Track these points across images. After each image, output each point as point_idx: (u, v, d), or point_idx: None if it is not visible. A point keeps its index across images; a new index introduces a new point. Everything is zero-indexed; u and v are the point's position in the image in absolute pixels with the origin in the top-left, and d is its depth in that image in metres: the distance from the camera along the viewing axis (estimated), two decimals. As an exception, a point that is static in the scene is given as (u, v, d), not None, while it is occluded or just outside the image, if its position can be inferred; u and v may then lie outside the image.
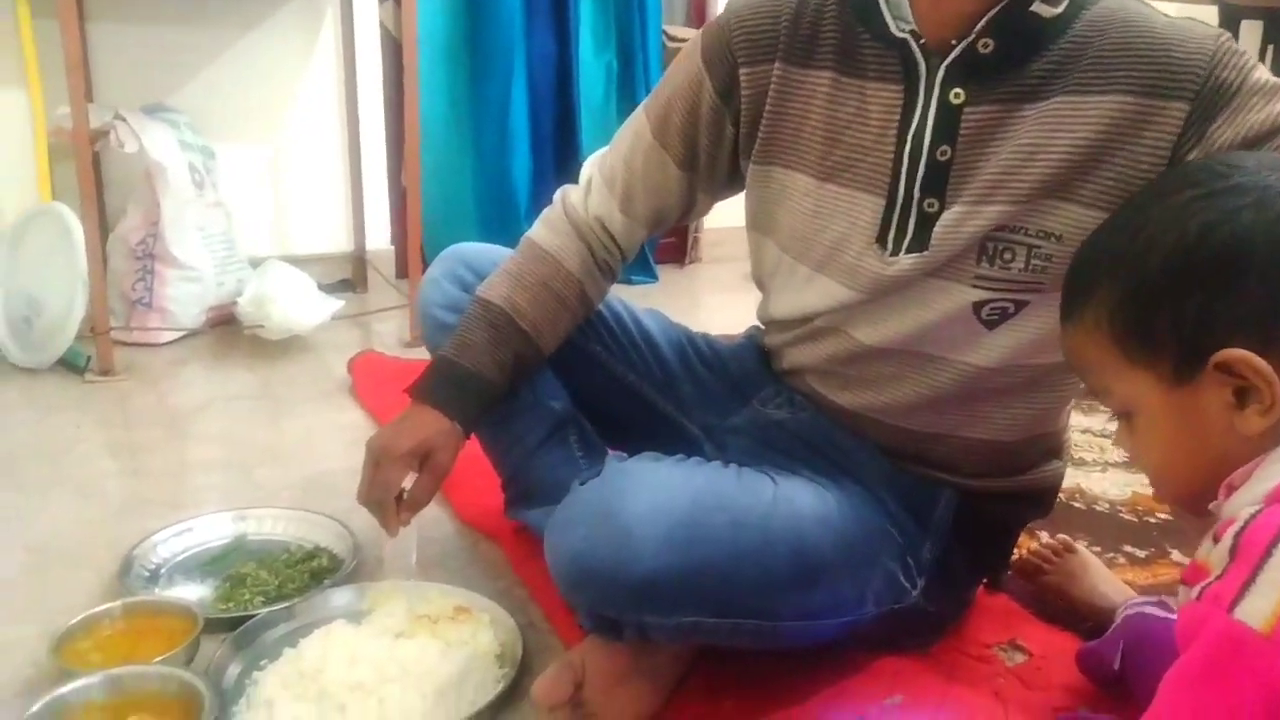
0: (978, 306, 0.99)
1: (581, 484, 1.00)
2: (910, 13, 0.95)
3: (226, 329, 2.40)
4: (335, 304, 2.34)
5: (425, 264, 2.28)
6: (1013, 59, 0.93)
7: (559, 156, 3.01)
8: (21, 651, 1.13)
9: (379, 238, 2.91)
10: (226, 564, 1.31)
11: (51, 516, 1.48)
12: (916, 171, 0.98)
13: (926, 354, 1.04)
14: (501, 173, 2.92)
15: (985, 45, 0.93)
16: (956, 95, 0.95)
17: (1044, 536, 1.43)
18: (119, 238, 2.34)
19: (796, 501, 1.02)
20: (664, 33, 3.09)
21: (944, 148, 0.96)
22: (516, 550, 1.35)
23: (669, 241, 3.26)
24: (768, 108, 1.06)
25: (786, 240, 1.09)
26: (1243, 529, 0.62)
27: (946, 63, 0.94)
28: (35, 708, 0.95)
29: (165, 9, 2.54)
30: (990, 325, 1.00)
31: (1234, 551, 0.61)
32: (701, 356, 1.29)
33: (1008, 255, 0.96)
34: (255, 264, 2.47)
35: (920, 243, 0.98)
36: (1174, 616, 0.91)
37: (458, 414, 1.12)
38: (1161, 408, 0.73)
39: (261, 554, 1.33)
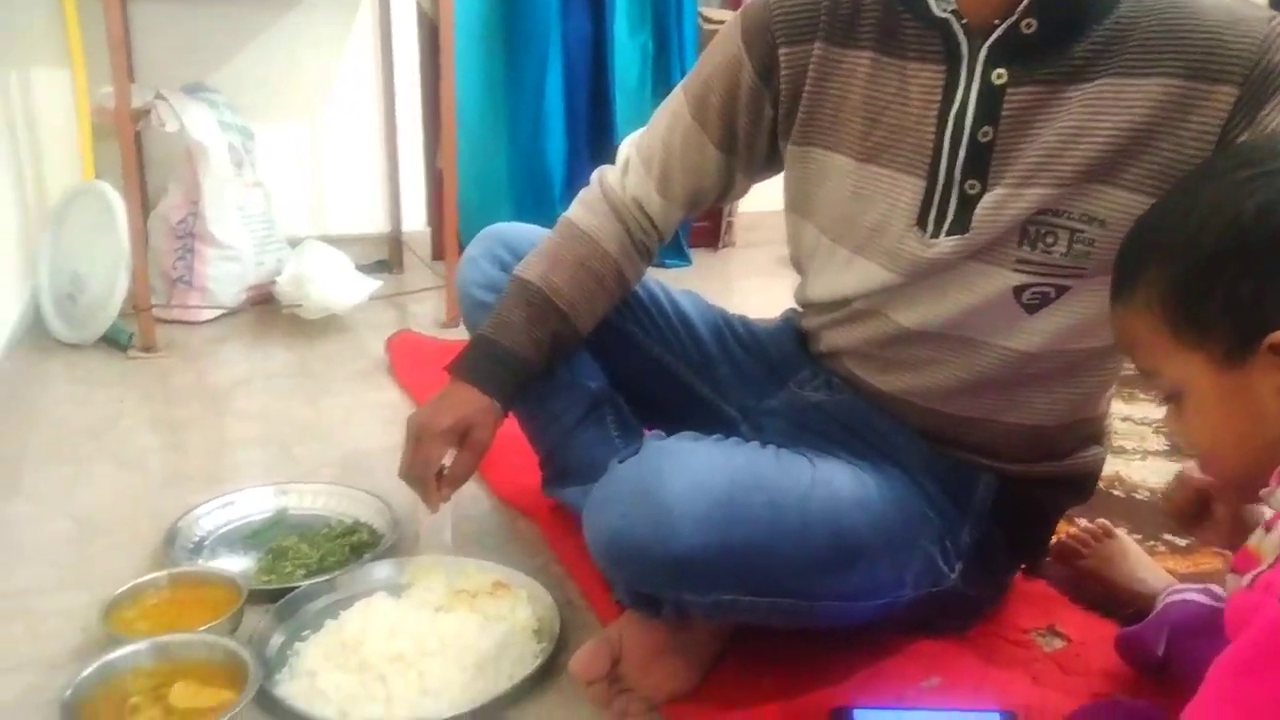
0: (1018, 291, 0.98)
1: (620, 462, 1.00)
2: None
3: (265, 308, 2.43)
4: (373, 284, 2.36)
5: (460, 246, 2.30)
6: (1056, 39, 0.92)
7: (593, 138, 3.01)
8: (71, 618, 1.16)
9: (415, 219, 2.93)
10: (268, 537, 1.33)
11: (96, 488, 1.51)
12: (958, 153, 0.97)
13: (966, 338, 1.03)
14: (536, 154, 2.92)
15: (1028, 25, 0.92)
16: (999, 76, 0.94)
17: (1082, 523, 1.42)
18: (160, 216, 2.37)
19: (835, 483, 1.02)
20: (700, 14, 3.07)
21: (986, 129, 0.95)
22: (553, 527, 1.36)
23: (702, 225, 3.25)
24: (807, 88, 1.05)
25: (826, 222, 1.09)
26: None
27: (989, 43, 0.93)
28: (86, 672, 0.97)
29: (204, -12, 2.57)
30: (1031, 310, 0.99)
31: None
32: (738, 338, 1.29)
33: (1050, 239, 0.95)
34: (293, 244, 2.49)
35: (961, 225, 0.98)
36: (1221, 604, 0.90)
37: (496, 391, 1.12)
38: (1212, 390, 0.72)
39: (302, 528, 1.35)
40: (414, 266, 2.83)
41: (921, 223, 1.00)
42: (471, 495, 1.45)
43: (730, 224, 3.31)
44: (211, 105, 2.38)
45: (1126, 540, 1.30)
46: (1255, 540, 0.66)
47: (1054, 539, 1.28)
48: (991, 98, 0.95)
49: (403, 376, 2.00)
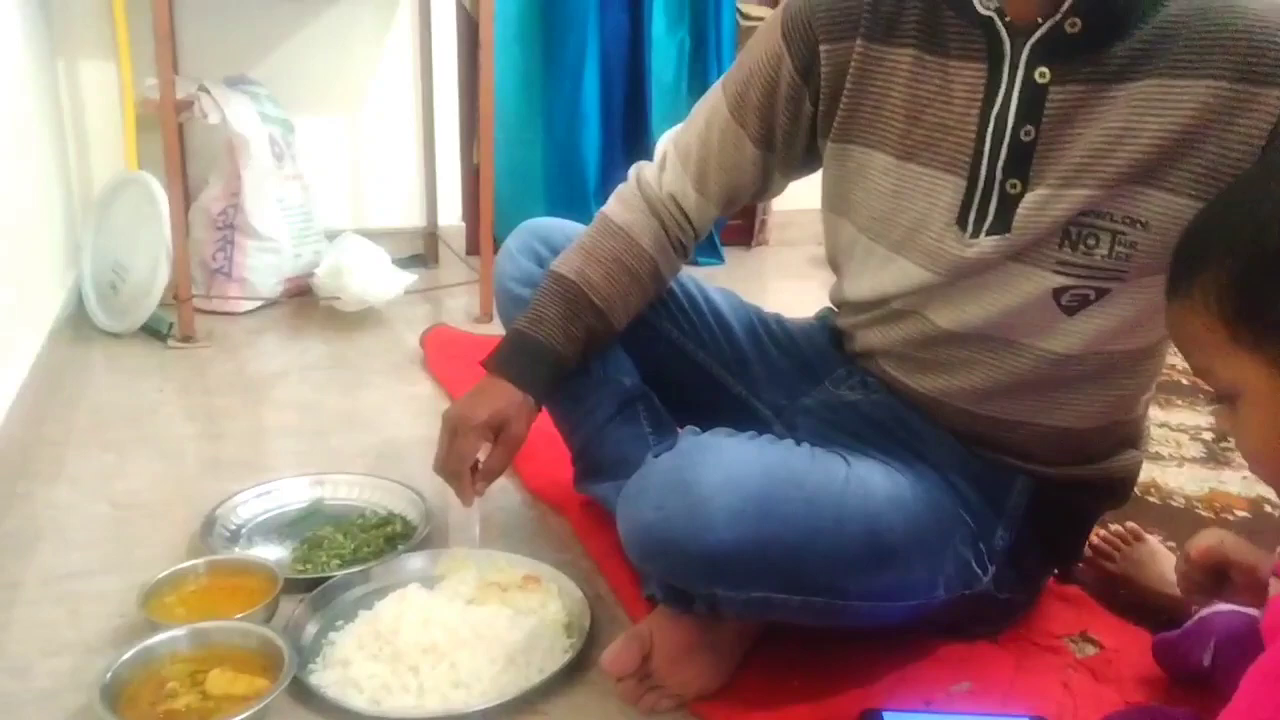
0: (1058, 293, 0.97)
1: (656, 456, 1.01)
2: None
3: (302, 300, 2.46)
4: (408, 278, 2.38)
5: (495, 241, 2.31)
6: (1100, 38, 0.91)
7: (628, 134, 3.01)
8: (110, 602, 1.18)
9: (450, 213, 2.95)
10: (304, 526, 1.35)
11: (136, 475, 1.54)
12: (999, 152, 0.96)
13: (1003, 339, 1.03)
14: (571, 150, 2.93)
15: (1073, 24, 0.91)
16: (1042, 75, 0.93)
17: (1113, 527, 1.41)
18: (201, 208, 2.40)
19: (870, 482, 1.02)
20: (738, 10, 3.06)
21: (1028, 128, 0.95)
22: (583, 522, 1.37)
23: (736, 223, 3.24)
24: (848, 85, 1.05)
25: (864, 220, 1.08)
26: None
27: (1032, 41, 0.93)
28: (126, 656, 0.99)
29: (250, -18, 2.60)
30: (1070, 312, 0.98)
31: None
32: (773, 336, 1.29)
33: (1091, 241, 0.94)
34: (331, 236, 2.51)
35: (1002, 225, 0.97)
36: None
37: (530, 386, 1.13)
38: (1267, 393, 0.70)
39: (338, 518, 1.37)
40: (449, 261, 2.85)
41: (961, 222, 0.99)
42: (502, 488, 1.46)
43: (764, 222, 3.30)
44: (253, 98, 2.40)
45: (1156, 544, 1.29)
46: None
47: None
48: (1034, 97, 0.94)
49: (436, 370, 2.02)
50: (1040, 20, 0.92)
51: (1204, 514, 1.53)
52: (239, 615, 1.07)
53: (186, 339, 2.13)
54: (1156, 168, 0.91)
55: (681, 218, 1.19)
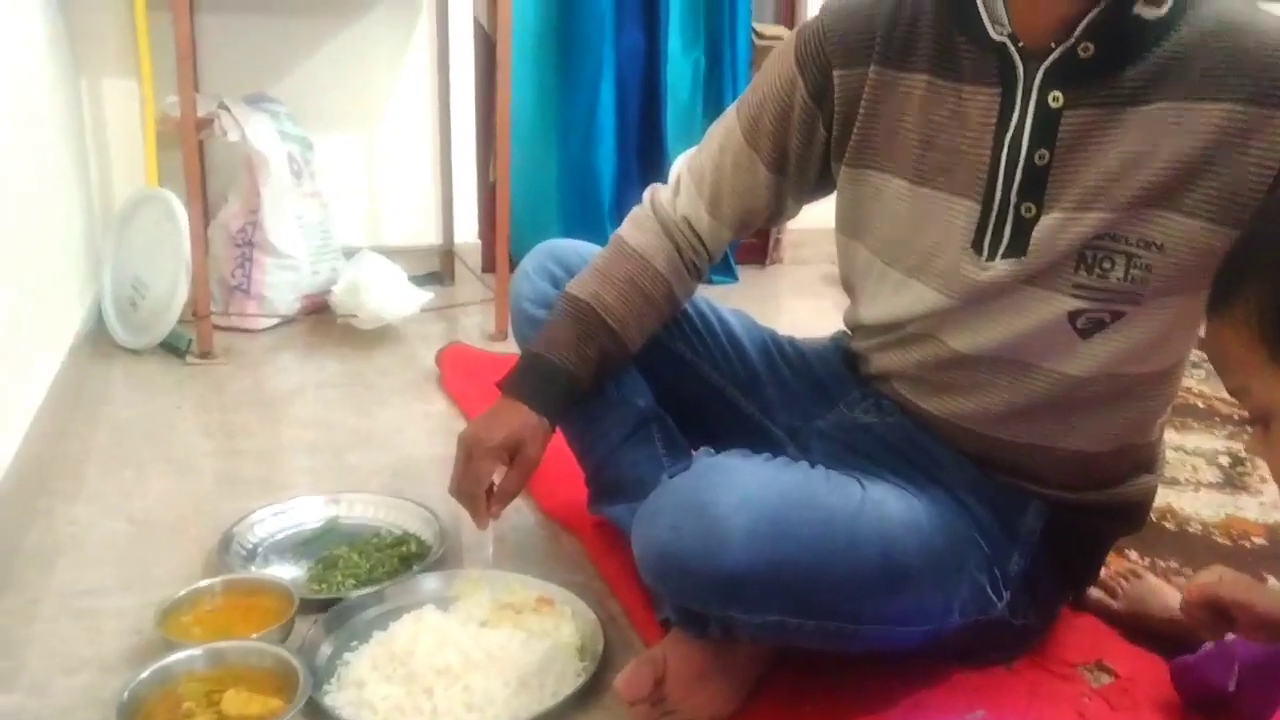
0: (1073, 316, 0.97)
1: (671, 477, 1.01)
2: (1007, 15, 0.94)
3: (319, 317, 2.47)
4: (425, 296, 2.39)
5: (510, 258, 2.32)
6: (1114, 62, 0.91)
7: (643, 152, 3.02)
8: (127, 620, 1.19)
9: (466, 231, 2.96)
10: (320, 546, 1.36)
11: (153, 491, 1.55)
12: (1014, 176, 0.97)
13: (1018, 362, 1.03)
14: (586, 167, 2.94)
15: (1085, 49, 0.91)
16: (1055, 99, 0.94)
17: (1132, 555, 1.40)
18: (220, 225, 2.42)
19: (885, 505, 1.02)
20: (753, 30, 3.07)
21: (1042, 151, 0.95)
22: (597, 544, 1.37)
23: (750, 242, 3.25)
24: (862, 110, 1.05)
25: (878, 244, 1.09)
26: None
27: (1045, 66, 0.93)
28: (143, 675, 1.00)
29: (267, 1, 2.62)
30: (1085, 335, 0.98)
31: None
32: (786, 358, 1.29)
33: (1107, 264, 0.94)
34: (348, 254, 2.53)
35: (1017, 248, 0.97)
36: None
37: (545, 408, 1.14)
38: None
39: (353, 537, 1.37)
40: (465, 278, 2.86)
41: (976, 246, 1.00)
42: (516, 509, 1.45)
43: (778, 241, 3.31)
44: (273, 116, 2.43)
45: (1155, 580, 1.28)
46: None
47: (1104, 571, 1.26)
48: (1048, 121, 0.94)
49: (452, 388, 2.03)
50: (1053, 45, 0.92)
51: (1221, 541, 1.51)
52: (255, 635, 1.08)
53: (205, 355, 2.15)
54: (1171, 191, 0.91)
55: (695, 240, 1.20)
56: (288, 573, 1.30)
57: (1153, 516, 1.30)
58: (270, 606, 1.15)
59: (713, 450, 1.07)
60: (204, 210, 2.21)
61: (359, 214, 2.84)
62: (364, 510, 1.45)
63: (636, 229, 1.20)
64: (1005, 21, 0.94)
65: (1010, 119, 0.96)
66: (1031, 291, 0.98)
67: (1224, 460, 1.81)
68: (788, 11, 3.31)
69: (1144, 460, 1.14)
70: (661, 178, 1.25)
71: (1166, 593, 1.24)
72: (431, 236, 2.93)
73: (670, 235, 1.19)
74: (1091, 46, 0.91)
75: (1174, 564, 1.41)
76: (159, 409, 1.90)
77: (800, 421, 1.24)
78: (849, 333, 1.24)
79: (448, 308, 2.63)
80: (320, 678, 1.06)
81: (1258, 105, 0.87)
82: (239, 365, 2.16)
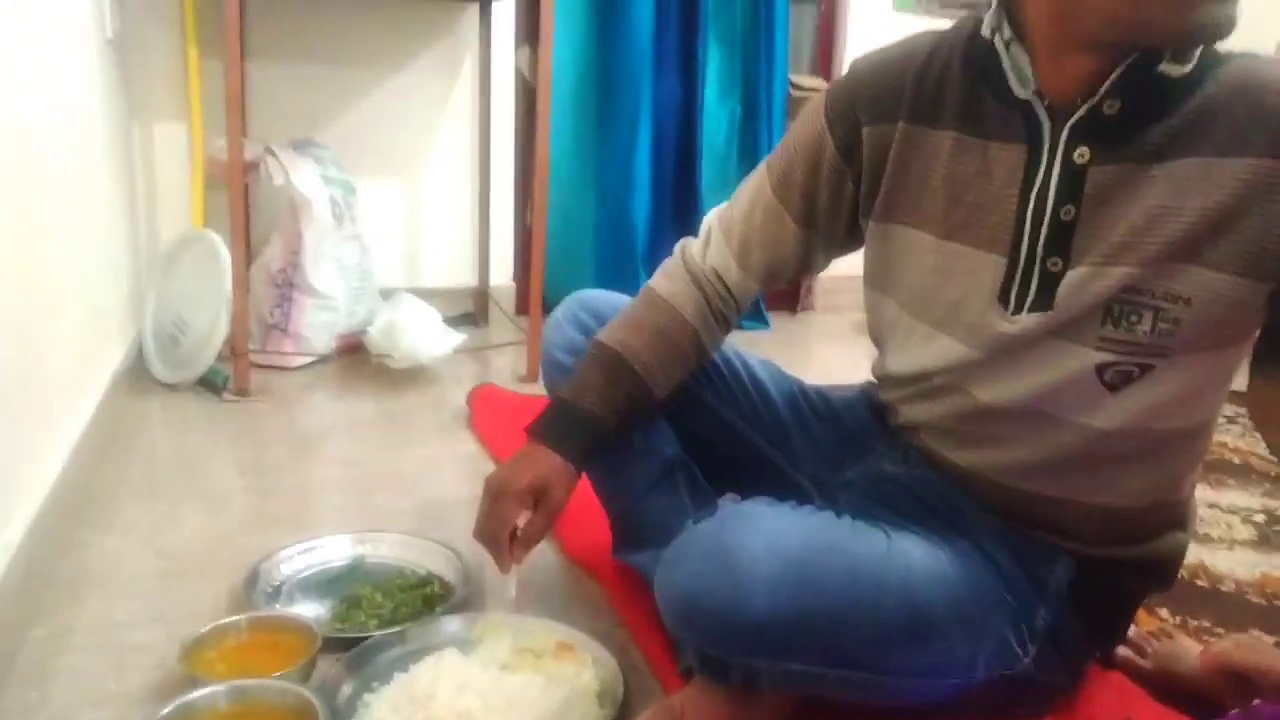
0: (1101, 369, 0.97)
1: (696, 523, 1.01)
2: (1033, 73, 0.95)
3: (354, 356, 2.51)
4: (458, 337, 2.42)
5: (544, 301, 2.35)
6: (1139, 119, 0.92)
7: (678, 200, 3.06)
8: (153, 654, 1.20)
9: (501, 273, 3.00)
10: (344, 585, 1.37)
11: (184, 526, 1.57)
12: (1040, 231, 0.97)
13: (1046, 414, 1.02)
14: (622, 213, 2.98)
15: (1111, 106, 0.92)
16: (1081, 155, 0.94)
17: (1164, 613, 1.38)
18: (262, 265, 2.47)
19: (911, 555, 1.01)
20: (790, 81, 3.11)
21: (1068, 207, 0.95)
22: (619, 590, 1.37)
23: (782, 289, 3.26)
24: (890, 166, 1.06)
25: (906, 298, 1.09)
26: None
27: (1071, 123, 0.94)
28: (166, 710, 1.00)
29: (318, 50, 2.70)
30: (1113, 388, 0.98)
31: None
32: (814, 408, 1.29)
33: (1134, 317, 0.94)
34: (386, 294, 2.57)
35: (1044, 302, 0.97)
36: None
37: (571, 453, 1.14)
38: None
39: (377, 577, 1.38)
40: (498, 320, 2.89)
41: (1004, 299, 1.00)
42: (540, 552, 1.46)
43: (810, 288, 3.32)
44: (318, 160, 2.49)
45: (1185, 639, 1.26)
46: None
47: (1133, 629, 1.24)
48: (1074, 177, 0.95)
49: (482, 430, 2.04)
50: (1079, 102, 0.93)
51: (1255, 600, 1.49)
52: (277, 674, 1.09)
53: (241, 393, 2.18)
54: (1198, 245, 0.91)
55: (724, 291, 1.21)
56: (312, 610, 1.30)
57: (1185, 574, 1.28)
58: (294, 644, 1.15)
59: (738, 498, 1.07)
60: (246, 251, 2.25)
61: (398, 255, 2.90)
62: (389, 550, 1.46)
63: (666, 279, 1.22)
64: (1031, 79, 0.95)
65: (1036, 175, 0.97)
66: (1059, 344, 0.98)
67: (1259, 518, 1.79)
68: (824, 62, 3.35)
69: (1175, 517, 1.13)
70: (695, 225, 1.27)
71: (1197, 653, 1.22)
72: (467, 278, 2.98)
73: (700, 286, 1.20)
74: (1117, 104, 0.92)
75: (1206, 623, 1.38)
76: (193, 444, 1.93)
77: (827, 472, 1.24)
78: (877, 383, 1.24)
79: (481, 349, 2.66)
80: (340, 718, 1.06)
81: None
82: (273, 403, 2.19)
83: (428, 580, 1.37)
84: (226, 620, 1.20)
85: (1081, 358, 0.97)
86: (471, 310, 2.95)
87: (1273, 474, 1.94)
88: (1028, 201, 0.97)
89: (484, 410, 2.13)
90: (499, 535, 1.12)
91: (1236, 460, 2.03)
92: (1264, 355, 0.94)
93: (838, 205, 1.12)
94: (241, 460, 1.90)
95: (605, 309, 1.26)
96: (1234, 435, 2.13)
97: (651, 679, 1.20)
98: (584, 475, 1.21)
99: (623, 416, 1.17)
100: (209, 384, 2.21)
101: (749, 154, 3.08)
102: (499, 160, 2.92)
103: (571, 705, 1.09)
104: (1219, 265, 0.90)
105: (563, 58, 2.81)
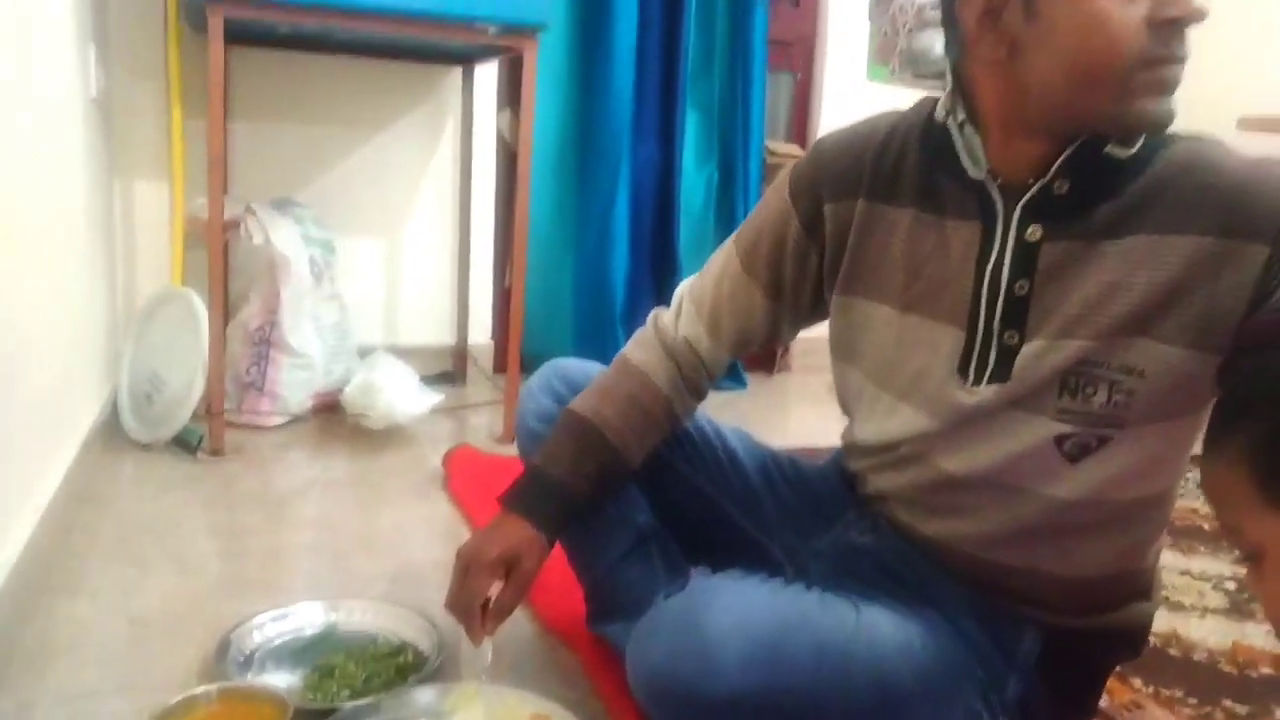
0: (1060, 440, 0.99)
1: (666, 598, 1.02)
2: (985, 154, 0.98)
3: (330, 415, 2.50)
4: (435, 397, 2.43)
5: (522, 358, 2.36)
6: (1088, 198, 0.95)
7: (656, 261, 3.09)
8: (120, 725, 1.19)
9: (480, 332, 3.01)
10: (317, 653, 1.35)
11: (155, 591, 1.55)
12: (996, 305, 1.00)
13: (1009, 485, 1.04)
14: (601, 274, 3.01)
15: (1060, 186, 0.95)
16: (1033, 233, 0.97)
17: (1137, 683, 1.38)
18: (239, 323, 2.47)
19: (879, 629, 1.02)
20: (766, 148, 3.16)
21: (1022, 282, 0.98)
22: (594, 659, 1.36)
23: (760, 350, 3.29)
24: (851, 241, 1.10)
25: (869, 368, 1.12)
26: None
27: (1023, 202, 0.97)
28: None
29: (301, 111, 2.73)
30: (1073, 459, 1.00)
31: None
32: (785, 477, 1.30)
33: (1090, 389, 0.96)
34: (364, 352, 2.57)
35: (1002, 374, 1.00)
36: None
37: (543, 523, 1.15)
38: None
39: (350, 645, 1.37)
40: (476, 379, 2.90)
41: (963, 371, 1.02)
42: (515, 621, 1.44)
43: (787, 349, 3.35)
44: (298, 220, 2.50)
45: (1157, 710, 1.27)
46: None
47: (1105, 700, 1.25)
48: (1026, 253, 0.98)
49: (457, 491, 2.04)
50: (1030, 182, 0.96)
51: (1227, 669, 1.49)
52: (246, 745, 1.08)
53: (215, 452, 2.17)
54: (1148, 319, 0.93)
55: (696, 360, 1.23)
56: (284, 679, 1.29)
57: (1158, 642, 1.29)
58: (265, 715, 1.14)
59: (708, 570, 1.08)
60: (225, 309, 2.26)
61: (377, 313, 2.91)
62: (363, 617, 1.45)
63: (640, 349, 1.23)
64: (983, 160, 0.99)
65: (991, 251, 1.00)
66: (1018, 415, 1.00)
67: (1230, 585, 1.80)
68: (800, 130, 3.42)
69: (1139, 586, 1.14)
70: (673, 286, 1.30)
71: None
72: (446, 337, 2.99)
73: (672, 355, 1.22)
74: (1067, 184, 0.95)
75: (1179, 693, 1.39)
76: (166, 506, 1.92)
77: (799, 541, 1.25)
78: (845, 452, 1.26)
79: (458, 408, 2.66)
80: (309, 791, 1.05)
81: (1227, 237, 0.90)
82: (248, 462, 2.18)
83: (401, 649, 1.36)
84: (197, 690, 1.18)
85: (1040, 429, 0.99)
86: (450, 369, 2.95)
87: (1241, 540, 1.96)
88: (983, 277, 1.00)
89: (460, 472, 2.13)
90: (470, 607, 1.12)
91: (1206, 526, 2.05)
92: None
93: (803, 278, 1.15)
94: (214, 522, 1.88)
95: (580, 378, 1.27)
96: (1204, 502, 2.15)
97: (624, 751, 1.19)
98: (558, 545, 1.21)
99: (595, 485, 1.18)
100: (183, 443, 2.19)
101: (726, 218, 3.13)
102: (479, 220, 2.94)
103: (543, 778, 1.08)
104: (1169, 338, 0.93)
105: (544, 121, 2.85)
